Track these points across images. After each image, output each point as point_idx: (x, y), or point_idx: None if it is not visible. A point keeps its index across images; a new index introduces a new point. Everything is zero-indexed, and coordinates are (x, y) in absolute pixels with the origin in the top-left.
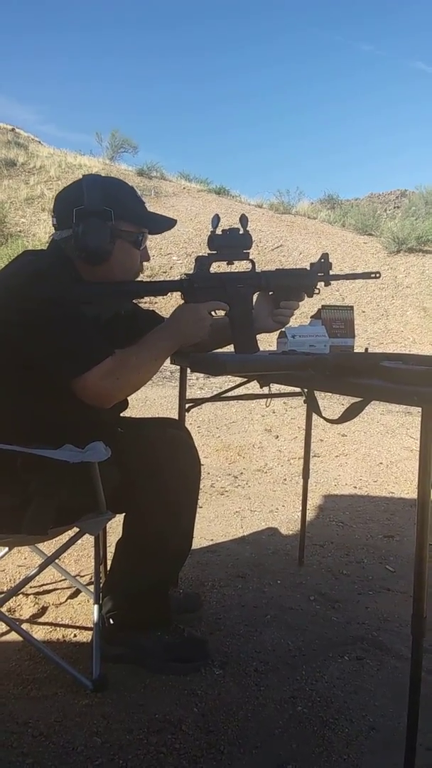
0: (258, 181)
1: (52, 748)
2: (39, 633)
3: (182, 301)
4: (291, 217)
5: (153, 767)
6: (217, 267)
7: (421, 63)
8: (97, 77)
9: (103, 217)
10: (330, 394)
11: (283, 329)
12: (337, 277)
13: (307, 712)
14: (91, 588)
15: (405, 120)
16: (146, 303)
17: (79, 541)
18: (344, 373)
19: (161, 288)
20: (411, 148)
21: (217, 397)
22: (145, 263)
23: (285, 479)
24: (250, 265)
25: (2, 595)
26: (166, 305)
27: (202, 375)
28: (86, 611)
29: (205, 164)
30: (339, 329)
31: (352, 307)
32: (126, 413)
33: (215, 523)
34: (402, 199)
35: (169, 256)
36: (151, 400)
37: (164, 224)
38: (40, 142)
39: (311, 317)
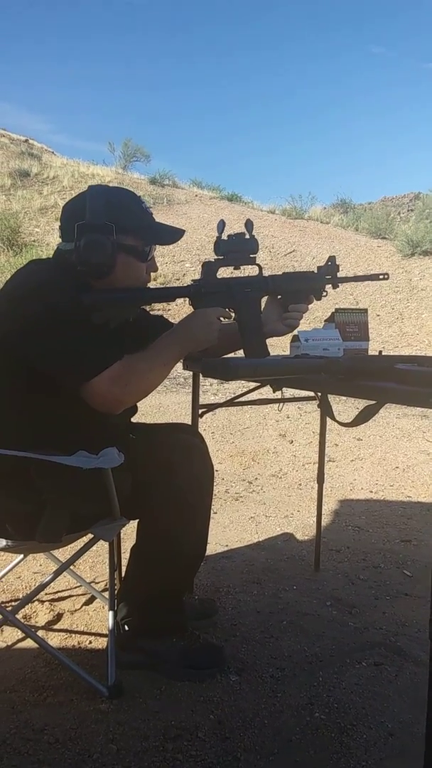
0: (270, 187)
1: (67, 756)
2: (54, 640)
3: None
4: (304, 222)
5: None
6: (230, 273)
7: None
8: (107, 86)
9: (105, 231)
10: (345, 398)
11: (296, 333)
12: (345, 280)
13: (324, 719)
14: (106, 594)
15: (417, 122)
16: (158, 310)
17: (94, 548)
18: (358, 376)
19: (169, 294)
20: (424, 151)
21: (231, 402)
22: (154, 273)
23: (300, 484)
24: (257, 270)
25: (18, 602)
26: (179, 312)
27: (215, 381)
28: (101, 618)
29: (217, 171)
30: (353, 332)
31: (366, 310)
32: (139, 419)
33: (230, 528)
34: (416, 202)
35: (182, 264)
36: (165, 406)
37: (171, 236)
38: (53, 152)
39: (325, 321)
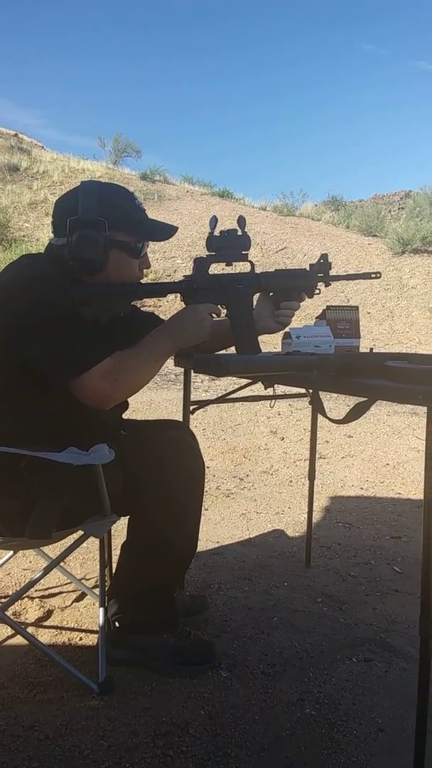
0: (261, 183)
1: (58, 752)
2: (44, 636)
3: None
4: (295, 219)
5: None
6: (221, 269)
7: (424, 62)
8: (98, 81)
9: (97, 227)
10: (336, 395)
11: (287, 330)
12: (337, 278)
13: (315, 715)
14: (97, 591)
15: (408, 120)
16: (150, 306)
17: (84, 544)
18: (349, 373)
19: (161, 290)
20: (415, 149)
21: (222, 399)
22: (146, 269)
23: (291, 481)
24: (249, 267)
25: (8, 599)
26: (171, 308)
27: (207, 378)
28: (92, 614)
29: (208, 167)
30: (344, 330)
31: (357, 308)
32: (130, 416)
33: (221, 525)
34: (406, 200)
35: (173, 260)
36: (156, 402)
37: (164, 232)
38: (43, 147)
39: (316, 318)
